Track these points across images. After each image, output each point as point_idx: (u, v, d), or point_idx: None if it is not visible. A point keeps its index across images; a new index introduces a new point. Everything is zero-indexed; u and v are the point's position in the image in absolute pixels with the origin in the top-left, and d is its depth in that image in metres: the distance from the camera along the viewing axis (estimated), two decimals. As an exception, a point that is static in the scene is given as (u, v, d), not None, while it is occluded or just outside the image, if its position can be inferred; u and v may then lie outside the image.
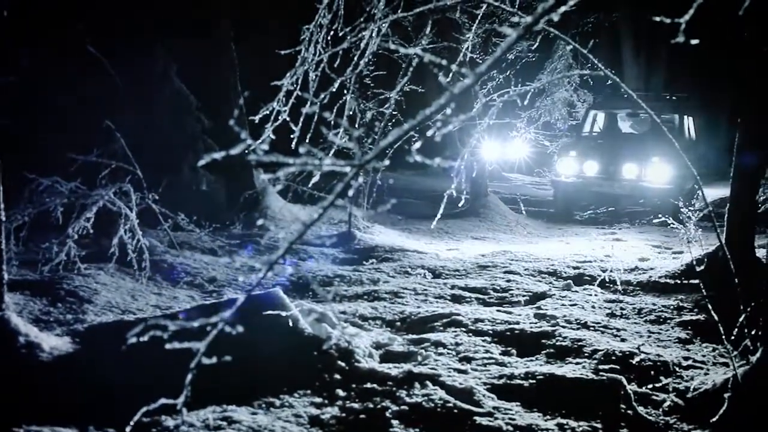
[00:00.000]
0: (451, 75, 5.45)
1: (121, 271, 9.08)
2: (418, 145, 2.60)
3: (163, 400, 3.13)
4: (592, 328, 7.64)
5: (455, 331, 7.39)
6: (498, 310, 8.25)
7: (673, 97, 20.26)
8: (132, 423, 4.83)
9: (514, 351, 6.97)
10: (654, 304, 8.69)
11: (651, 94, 21.77)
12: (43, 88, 11.60)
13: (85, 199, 9.21)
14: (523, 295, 9.14)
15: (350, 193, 2.61)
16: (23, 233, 8.96)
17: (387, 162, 2.59)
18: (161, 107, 13.08)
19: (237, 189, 13.63)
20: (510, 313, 8.17)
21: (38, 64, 11.39)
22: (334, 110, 6.43)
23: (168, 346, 3.00)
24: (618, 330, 7.66)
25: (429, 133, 2.57)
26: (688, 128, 19.34)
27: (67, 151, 9.44)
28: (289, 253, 2.62)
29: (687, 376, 6.31)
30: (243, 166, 14.01)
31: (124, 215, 9.16)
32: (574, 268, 10.69)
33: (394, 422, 5.11)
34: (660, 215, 11.73)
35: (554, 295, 9.13)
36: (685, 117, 19.26)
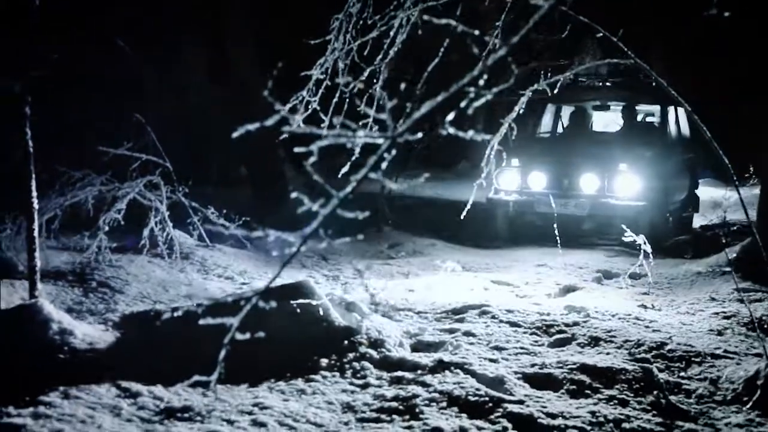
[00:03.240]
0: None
1: (151, 263, 9.11)
2: (451, 116, 2.59)
3: (196, 377, 3.14)
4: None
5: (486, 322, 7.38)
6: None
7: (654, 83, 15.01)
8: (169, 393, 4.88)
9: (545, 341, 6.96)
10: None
11: (622, 79, 15.53)
12: (73, 82, 11.66)
13: (115, 191, 9.25)
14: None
15: (383, 165, 2.61)
16: (54, 225, 8.99)
17: (420, 134, 2.57)
18: (189, 101, 13.12)
19: (266, 183, 13.69)
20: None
21: (68, 58, 11.45)
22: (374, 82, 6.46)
23: (202, 321, 3.00)
24: (650, 321, 7.63)
25: (463, 104, 2.55)
26: (676, 123, 15.24)
27: (98, 145, 9.46)
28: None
29: (719, 365, 6.26)
30: (273, 159, 14.08)
31: (155, 208, 9.20)
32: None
33: (426, 409, 5.10)
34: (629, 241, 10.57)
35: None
36: (671, 109, 15.05)
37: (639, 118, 15.65)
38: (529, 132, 15.67)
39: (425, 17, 3.33)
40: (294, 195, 2.70)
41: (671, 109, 14.97)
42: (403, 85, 2.84)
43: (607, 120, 16.71)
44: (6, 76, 6.83)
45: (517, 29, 2.65)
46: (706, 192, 19.74)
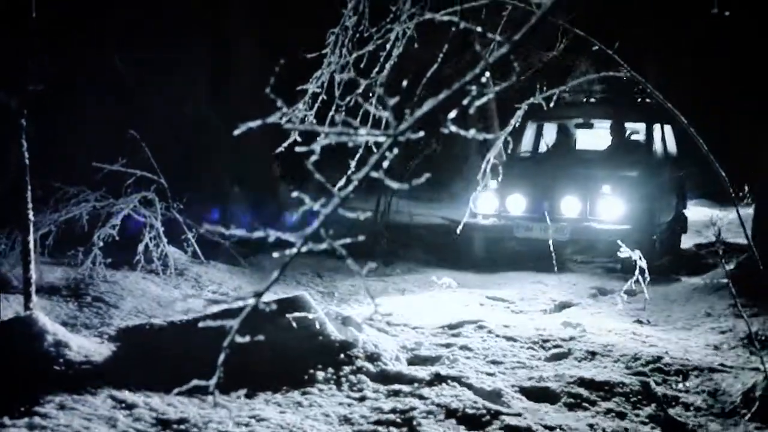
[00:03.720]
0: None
1: (146, 279, 9.07)
2: (453, 114, 2.57)
3: (195, 381, 3.10)
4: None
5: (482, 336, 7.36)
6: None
7: (641, 100, 14.75)
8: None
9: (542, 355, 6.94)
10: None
11: (607, 96, 14.98)
12: (69, 99, 11.65)
13: (110, 207, 9.23)
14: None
15: (385, 165, 2.59)
16: (49, 241, 8.97)
17: (421, 133, 2.55)
18: (184, 119, 13.12)
19: (260, 200, 13.68)
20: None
21: (64, 75, 11.44)
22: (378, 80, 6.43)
23: (201, 324, 2.98)
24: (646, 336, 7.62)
25: (465, 102, 2.53)
26: (663, 141, 14.56)
27: (92, 160, 9.45)
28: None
29: (716, 378, 6.25)
30: (267, 177, 14.07)
31: (149, 224, 9.19)
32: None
33: (423, 421, 5.08)
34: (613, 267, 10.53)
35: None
36: (657, 126, 14.38)
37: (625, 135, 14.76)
38: (508, 151, 13.96)
39: (428, 14, 3.33)
40: (295, 194, 2.67)
41: (657, 127, 14.33)
42: (405, 83, 2.82)
43: (593, 138, 15.48)
44: (2, 90, 6.83)
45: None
46: (699, 212, 19.74)
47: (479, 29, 2.62)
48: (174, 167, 10.87)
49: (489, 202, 12.48)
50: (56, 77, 10.84)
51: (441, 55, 6.43)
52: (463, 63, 14.32)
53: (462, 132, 2.62)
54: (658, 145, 14.23)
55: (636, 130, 14.49)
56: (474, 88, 2.55)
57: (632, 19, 22.37)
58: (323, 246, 2.77)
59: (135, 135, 10.11)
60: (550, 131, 14.79)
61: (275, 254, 2.77)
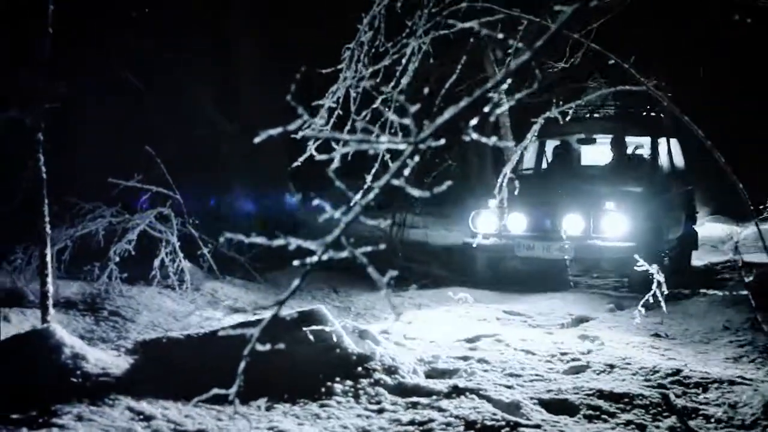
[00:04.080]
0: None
1: (162, 294, 9.10)
2: (474, 121, 2.57)
3: (215, 390, 3.11)
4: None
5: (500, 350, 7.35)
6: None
7: (645, 113, 14.41)
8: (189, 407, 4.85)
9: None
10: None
11: (612, 108, 14.71)
12: (83, 115, 11.71)
13: (126, 223, 9.26)
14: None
15: (406, 172, 2.59)
16: (65, 256, 9.00)
17: (442, 141, 2.55)
18: (197, 134, 13.16)
19: (273, 213, 13.71)
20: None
21: (78, 92, 11.49)
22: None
23: (222, 333, 2.98)
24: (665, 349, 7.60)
25: (486, 109, 2.53)
26: (669, 155, 14.13)
27: (108, 177, 9.47)
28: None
29: (737, 391, 6.21)
30: (279, 192, 14.11)
31: (165, 239, 9.20)
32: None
33: (442, 433, 5.06)
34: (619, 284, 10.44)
35: None
36: (663, 140, 13.98)
37: (629, 150, 14.41)
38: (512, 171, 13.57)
39: (450, 21, 3.33)
40: (316, 202, 2.67)
41: (663, 140, 13.94)
42: (426, 90, 2.82)
43: (597, 153, 15.17)
44: (18, 107, 6.89)
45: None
46: (714, 228, 19.65)
47: (500, 36, 2.61)
48: (190, 182, 10.91)
49: (489, 221, 12.21)
50: (69, 94, 10.90)
51: (458, 69, 6.44)
52: (478, 79, 14.32)
53: (483, 139, 2.62)
54: (664, 160, 13.87)
55: (641, 144, 14.22)
56: (495, 95, 2.55)
57: (642, 32, 22.05)
58: (344, 254, 2.77)
59: (150, 151, 10.13)
60: (552, 147, 14.37)
61: (296, 262, 2.77)
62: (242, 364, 2.93)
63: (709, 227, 20.73)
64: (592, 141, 14.46)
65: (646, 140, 14.01)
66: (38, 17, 6.37)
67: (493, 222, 12.13)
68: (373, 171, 6.51)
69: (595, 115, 14.53)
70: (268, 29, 15.38)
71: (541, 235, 11.81)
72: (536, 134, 7.16)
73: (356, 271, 10.80)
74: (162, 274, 9.17)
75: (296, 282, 2.80)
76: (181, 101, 13.26)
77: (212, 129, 13.82)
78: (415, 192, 2.65)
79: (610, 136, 13.96)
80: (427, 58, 6.84)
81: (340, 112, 7.08)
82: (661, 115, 14.23)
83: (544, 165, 14.52)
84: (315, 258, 2.70)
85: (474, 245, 10.65)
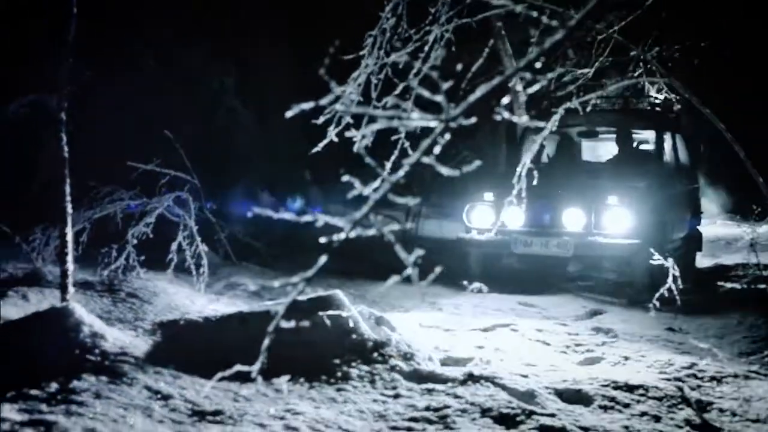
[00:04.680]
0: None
1: (178, 278, 9.13)
2: (506, 99, 2.58)
3: (238, 367, 3.12)
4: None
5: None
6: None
7: (650, 107, 13.85)
8: (207, 387, 4.87)
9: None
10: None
11: (614, 102, 13.72)
12: (104, 100, 11.74)
13: (144, 206, 9.30)
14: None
15: (436, 150, 2.60)
16: (83, 238, 9.03)
17: (473, 119, 2.56)
18: (217, 121, 13.19)
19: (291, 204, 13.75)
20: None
21: (99, 76, 11.54)
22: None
23: (247, 310, 2.99)
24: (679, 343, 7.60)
25: (518, 88, 2.54)
26: (674, 151, 13.36)
27: (127, 160, 9.51)
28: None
29: (752, 385, 6.21)
30: (299, 182, 14.12)
31: (183, 223, 9.23)
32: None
33: (458, 419, 5.07)
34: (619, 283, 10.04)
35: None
36: (667, 135, 13.14)
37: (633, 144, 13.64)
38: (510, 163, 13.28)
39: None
40: (345, 178, 2.68)
41: (667, 136, 13.09)
42: (459, 67, 2.83)
43: (599, 147, 14.88)
44: (44, 91, 6.95)
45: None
46: (720, 230, 19.55)
47: (535, 14, 2.62)
48: (209, 168, 10.95)
49: (485, 216, 11.51)
50: (91, 77, 10.95)
51: (483, 56, 6.46)
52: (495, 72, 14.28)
53: (514, 118, 2.63)
54: (668, 155, 13.08)
55: (645, 139, 13.55)
56: (528, 74, 2.55)
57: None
58: (371, 232, 2.78)
59: (169, 135, 10.17)
60: (552, 141, 13.48)
61: (322, 239, 2.78)
62: (266, 341, 2.94)
63: (720, 226, 20.69)
64: (595, 134, 13.86)
65: (650, 135, 13.28)
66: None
67: (489, 216, 11.41)
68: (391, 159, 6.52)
69: (597, 108, 13.31)
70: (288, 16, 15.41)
71: (540, 230, 11.17)
72: (557, 124, 7.03)
73: (369, 261, 10.89)
74: (179, 258, 9.20)
75: (323, 259, 2.82)
76: (200, 86, 13.29)
77: (231, 117, 13.84)
78: (444, 170, 2.67)
79: (613, 129, 13.39)
80: (449, 46, 6.85)
81: (361, 99, 7.10)
82: (673, 108, 13.74)
83: (545, 158, 13.39)
84: (342, 235, 2.72)
85: (467, 240, 10.79)
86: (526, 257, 11.46)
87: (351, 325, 6.16)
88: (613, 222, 10.81)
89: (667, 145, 13.03)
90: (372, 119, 2.60)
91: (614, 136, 13.35)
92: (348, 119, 6.97)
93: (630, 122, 13.22)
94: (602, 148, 14.53)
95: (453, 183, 13.58)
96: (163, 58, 12.77)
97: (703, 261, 14.66)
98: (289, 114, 2.62)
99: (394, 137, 6.23)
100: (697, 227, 14.36)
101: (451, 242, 12.13)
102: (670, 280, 8.60)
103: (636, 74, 11.05)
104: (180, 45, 13.14)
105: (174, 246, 9.12)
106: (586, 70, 10.08)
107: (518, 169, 7.23)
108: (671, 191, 12.43)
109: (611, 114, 13.33)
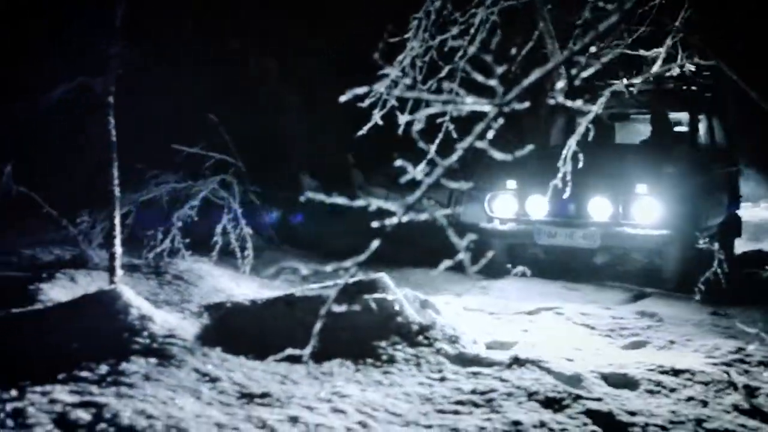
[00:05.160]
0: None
1: (223, 261, 9.19)
2: (561, 84, 2.57)
3: (289, 350, 3.14)
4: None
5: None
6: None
7: (684, 87, 12.53)
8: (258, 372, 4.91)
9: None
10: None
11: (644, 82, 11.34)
12: (149, 83, 11.81)
13: (189, 189, 9.36)
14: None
15: (489, 135, 2.59)
16: (129, 221, 9.11)
17: (527, 103, 2.55)
18: (261, 105, 13.23)
19: (334, 188, 13.75)
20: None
21: (145, 60, 11.61)
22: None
23: (299, 294, 3.01)
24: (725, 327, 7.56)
25: (573, 72, 2.53)
26: (710, 132, 12.55)
27: (171, 143, 9.58)
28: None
29: (801, 371, 6.17)
30: (342, 166, 14.14)
31: (227, 206, 9.29)
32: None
33: (504, 403, 5.07)
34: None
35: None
36: (703, 116, 12.41)
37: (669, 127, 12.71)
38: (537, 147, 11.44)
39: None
40: (399, 163, 2.68)
41: (703, 117, 12.37)
42: (515, 52, 2.82)
43: (630, 130, 13.84)
44: (92, 75, 6.99)
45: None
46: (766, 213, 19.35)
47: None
48: (253, 153, 11.01)
49: (507, 205, 11.03)
50: (137, 60, 11.02)
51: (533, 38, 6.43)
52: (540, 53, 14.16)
53: (568, 103, 2.62)
54: (703, 137, 12.36)
55: (678, 120, 12.81)
56: (582, 58, 2.54)
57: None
58: (423, 216, 2.78)
59: (214, 119, 10.22)
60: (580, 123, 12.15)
61: (375, 223, 2.78)
62: (317, 325, 2.97)
63: (764, 209, 20.50)
64: (626, 117, 13.22)
65: (684, 116, 12.58)
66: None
67: (512, 205, 10.99)
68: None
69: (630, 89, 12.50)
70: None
71: (565, 220, 10.53)
72: (602, 107, 6.80)
73: (414, 245, 10.86)
74: (223, 241, 9.25)
75: (375, 243, 2.83)
76: (248, 70, 13.34)
77: (274, 100, 13.87)
78: (498, 155, 2.66)
79: (644, 111, 12.76)
80: (495, 29, 6.82)
81: (407, 82, 7.09)
82: (708, 87, 12.61)
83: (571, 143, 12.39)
84: (395, 219, 2.72)
85: (489, 230, 10.35)
86: (550, 248, 10.88)
87: (396, 308, 6.17)
88: (643, 212, 10.21)
89: (703, 126, 12.41)
90: (426, 103, 2.60)
91: (644, 118, 12.83)
92: (393, 102, 6.96)
93: (664, 103, 12.42)
94: (632, 130, 13.72)
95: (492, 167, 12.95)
96: (207, 41, 12.79)
97: (744, 246, 14.32)
98: (342, 99, 2.63)
99: (439, 120, 6.22)
100: (736, 212, 13.51)
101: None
102: (715, 264, 8.56)
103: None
104: (224, 28, 13.17)
105: (219, 229, 9.18)
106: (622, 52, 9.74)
107: (564, 152, 7.15)
108: (706, 176, 11.71)
109: (643, 95, 12.11)
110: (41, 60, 11.86)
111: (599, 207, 10.38)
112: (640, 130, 13.16)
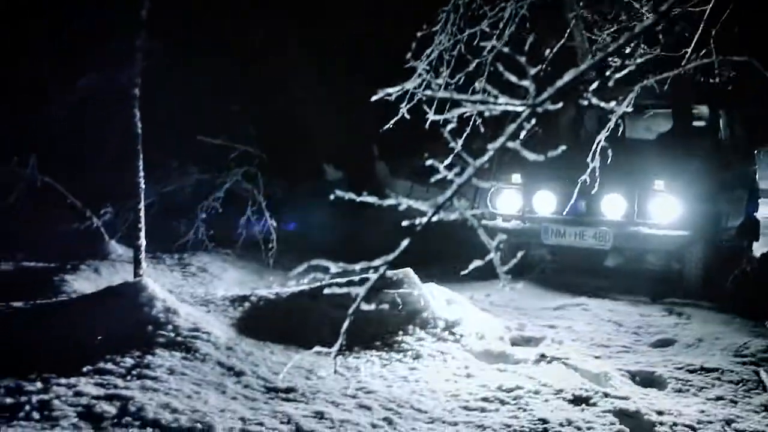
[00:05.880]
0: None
1: (247, 252, 9.17)
2: (595, 85, 2.52)
3: (317, 348, 3.11)
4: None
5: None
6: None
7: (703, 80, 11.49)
8: (283, 372, 4.90)
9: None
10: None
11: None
12: (175, 77, 11.81)
13: (213, 181, 9.36)
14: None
15: (522, 135, 2.55)
16: (153, 211, 9.11)
17: (560, 104, 2.50)
18: (285, 98, 13.22)
19: (359, 180, 13.72)
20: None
21: (170, 52, 11.59)
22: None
23: (327, 291, 2.98)
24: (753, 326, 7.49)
25: (607, 74, 2.49)
26: (730, 128, 11.72)
27: (197, 135, 9.58)
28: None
29: (829, 371, 6.11)
30: (366, 157, 14.09)
31: (252, 197, 9.27)
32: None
33: (530, 400, 5.03)
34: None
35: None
36: (723, 112, 11.52)
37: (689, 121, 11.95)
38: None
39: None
40: (429, 162, 2.64)
41: (723, 111, 11.50)
42: (547, 52, 2.78)
43: (646, 125, 12.91)
44: (118, 67, 6.99)
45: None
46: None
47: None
48: (276, 146, 11.00)
49: (512, 201, 10.04)
50: (161, 54, 11.01)
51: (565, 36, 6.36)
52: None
53: (602, 104, 2.58)
54: (723, 133, 11.42)
55: (697, 114, 11.87)
56: (616, 59, 2.50)
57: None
58: (454, 216, 2.74)
59: (237, 108, 10.22)
60: (592, 117, 11.46)
61: (404, 222, 2.74)
62: (346, 323, 2.93)
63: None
64: (642, 110, 11.72)
65: (704, 110, 11.62)
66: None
67: (516, 201, 10.02)
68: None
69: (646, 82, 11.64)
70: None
71: (574, 219, 9.40)
72: (632, 103, 6.54)
73: (442, 242, 10.76)
74: (248, 233, 9.25)
75: (405, 242, 2.79)
76: (269, 59, 13.31)
77: (300, 91, 13.84)
78: (530, 155, 2.62)
79: (662, 104, 11.61)
80: (523, 24, 6.74)
81: (433, 75, 7.03)
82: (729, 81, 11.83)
83: (583, 136, 11.45)
84: (425, 219, 2.69)
85: (490, 228, 9.13)
86: (558, 248, 10.14)
87: (422, 303, 6.16)
88: (659, 210, 9.29)
89: (723, 121, 11.48)
90: (457, 103, 2.56)
91: (663, 111, 11.98)
92: (420, 95, 6.90)
93: (683, 97, 11.35)
94: (649, 124, 12.73)
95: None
96: (231, 33, 12.77)
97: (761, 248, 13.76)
98: (374, 98, 2.59)
99: (466, 114, 6.16)
100: (755, 214, 12.54)
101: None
102: (745, 264, 8.46)
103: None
104: (248, 19, 13.14)
105: (243, 220, 9.18)
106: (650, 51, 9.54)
107: (593, 147, 6.99)
108: (727, 173, 10.80)
109: (661, 87, 11.27)
110: (66, 55, 11.86)
111: (612, 204, 9.44)
112: (649, 125, 12.59)
